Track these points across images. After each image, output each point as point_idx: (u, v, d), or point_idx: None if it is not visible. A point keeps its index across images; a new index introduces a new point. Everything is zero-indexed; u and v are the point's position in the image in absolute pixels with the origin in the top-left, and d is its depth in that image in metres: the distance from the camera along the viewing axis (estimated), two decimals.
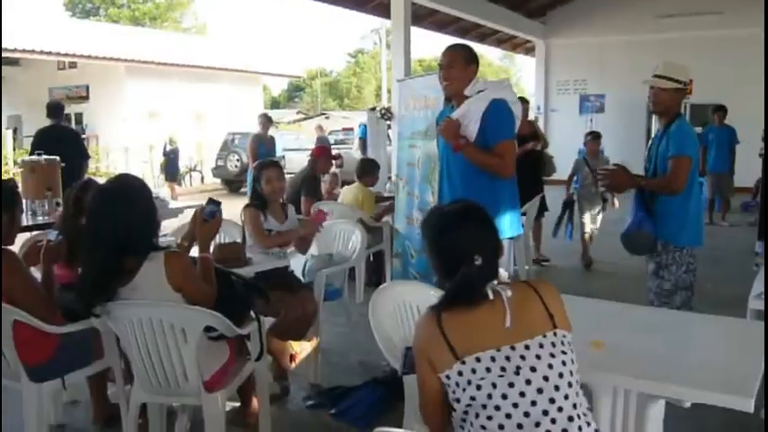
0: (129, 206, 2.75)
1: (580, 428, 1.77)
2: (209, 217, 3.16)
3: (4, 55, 17.01)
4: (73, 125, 20.70)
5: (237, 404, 3.61)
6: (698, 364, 2.33)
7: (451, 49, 3.74)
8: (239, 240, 4.23)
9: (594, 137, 7.69)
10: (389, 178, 8.93)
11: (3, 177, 6.85)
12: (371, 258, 6.66)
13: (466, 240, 1.90)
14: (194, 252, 3.12)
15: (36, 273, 3.23)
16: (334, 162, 7.42)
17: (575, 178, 7.76)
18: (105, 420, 3.61)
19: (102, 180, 3.76)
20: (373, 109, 12.24)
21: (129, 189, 2.84)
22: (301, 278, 4.47)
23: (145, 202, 2.82)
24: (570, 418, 1.77)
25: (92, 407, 3.66)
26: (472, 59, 3.66)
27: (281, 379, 3.99)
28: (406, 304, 2.95)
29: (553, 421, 1.75)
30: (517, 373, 1.76)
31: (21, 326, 2.93)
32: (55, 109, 7.64)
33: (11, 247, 3.06)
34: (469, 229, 1.93)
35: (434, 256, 1.98)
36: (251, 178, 9.28)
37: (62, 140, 7.06)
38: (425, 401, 1.90)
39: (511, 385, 1.75)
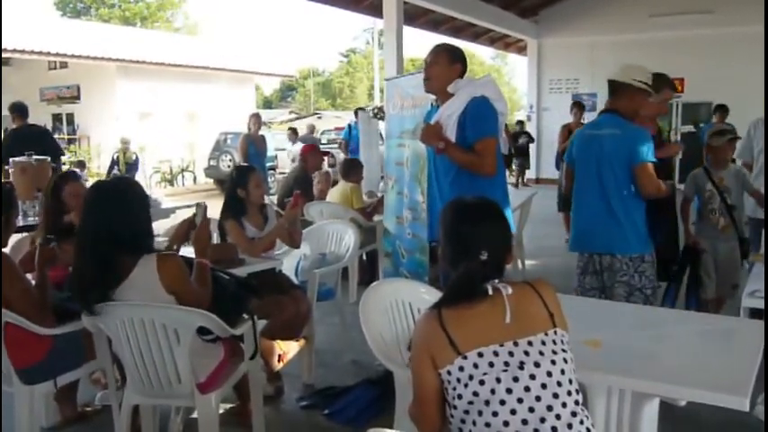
0: (122, 204, 2.77)
1: (582, 422, 1.79)
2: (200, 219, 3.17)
3: None
4: (64, 126, 20.71)
5: (230, 405, 3.60)
6: (692, 363, 2.33)
7: (437, 46, 3.72)
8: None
9: (722, 133, 4.63)
10: (382, 177, 8.92)
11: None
12: (365, 258, 6.65)
13: (476, 234, 1.91)
14: (187, 252, 3.10)
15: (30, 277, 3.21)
16: (325, 159, 7.42)
17: (693, 204, 4.65)
18: (72, 423, 3.62)
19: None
20: (362, 109, 12.21)
21: (123, 188, 2.88)
22: (294, 278, 4.45)
23: (138, 203, 2.84)
24: (574, 414, 1.78)
25: (59, 410, 3.64)
26: (457, 59, 3.62)
27: (274, 380, 3.98)
28: (397, 302, 2.95)
29: (558, 417, 1.75)
30: (522, 368, 1.77)
31: (12, 328, 2.91)
32: (20, 109, 7.65)
33: (4, 250, 3.04)
34: (483, 224, 1.94)
35: (446, 245, 1.99)
36: None
37: (31, 139, 7.01)
38: (422, 401, 1.89)
39: (515, 380, 1.76)
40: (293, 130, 15.60)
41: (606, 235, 3.64)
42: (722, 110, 10.52)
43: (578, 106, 9.80)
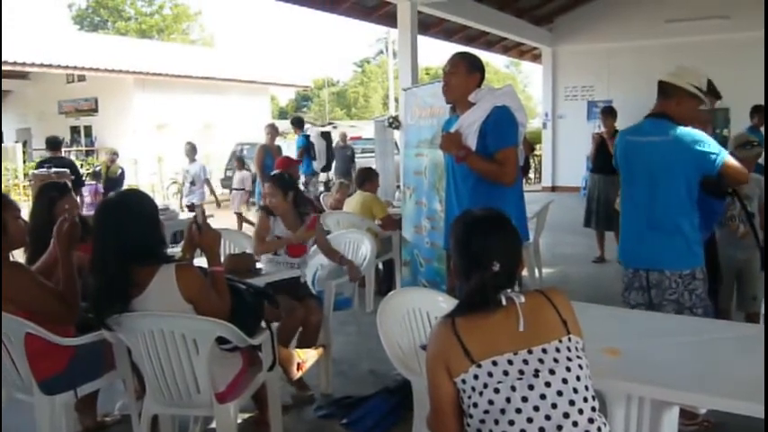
0: (128, 216, 2.78)
1: (599, 429, 1.79)
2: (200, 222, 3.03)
3: (13, 69, 17.20)
4: (82, 138, 20.94)
5: (249, 415, 3.60)
6: (711, 370, 2.31)
7: (456, 56, 3.73)
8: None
9: (749, 145, 4.22)
10: (398, 187, 8.92)
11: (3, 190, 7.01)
12: (382, 267, 6.66)
13: (488, 246, 1.92)
14: (202, 262, 3.11)
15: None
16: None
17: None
18: None
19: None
20: (299, 119, 11.80)
21: (129, 200, 2.90)
22: (311, 288, 4.46)
23: (146, 213, 2.84)
24: (591, 420, 1.78)
25: (79, 420, 3.66)
26: (476, 68, 3.63)
27: (302, 389, 4.00)
28: (414, 311, 2.96)
29: (575, 424, 1.76)
30: (536, 376, 1.77)
31: (32, 339, 2.92)
32: (53, 143, 8.57)
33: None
34: (494, 235, 1.95)
35: (457, 257, 2.00)
36: (259, 189, 9.30)
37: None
38: (438, 410, 1.89)
39: (531, 388, 1.76)
40: (192, 146, 11.18)
41: (654, 249, 3.36)
42: (759, 112, 9.25)
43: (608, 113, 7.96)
